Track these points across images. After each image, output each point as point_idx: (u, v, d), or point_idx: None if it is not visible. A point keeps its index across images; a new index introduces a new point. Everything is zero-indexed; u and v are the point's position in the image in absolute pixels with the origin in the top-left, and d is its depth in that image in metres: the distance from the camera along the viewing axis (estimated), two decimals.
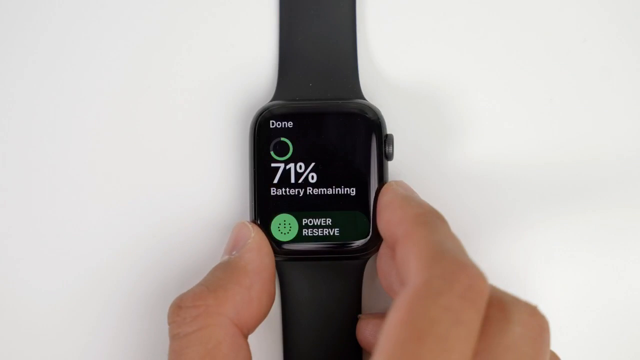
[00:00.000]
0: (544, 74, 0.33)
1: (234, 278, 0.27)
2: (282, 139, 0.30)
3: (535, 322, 0.24)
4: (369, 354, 0.30)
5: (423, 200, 0.28)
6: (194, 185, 0.32)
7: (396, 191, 0.29)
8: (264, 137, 0.30)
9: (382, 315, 0.30)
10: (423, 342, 0.21)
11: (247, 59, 0.32)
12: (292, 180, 0.30)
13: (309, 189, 0.30)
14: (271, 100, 0.31)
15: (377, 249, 0.30)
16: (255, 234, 0.29)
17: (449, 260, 0.23)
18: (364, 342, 0.30)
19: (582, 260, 0.33)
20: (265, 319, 0.30)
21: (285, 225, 0.30)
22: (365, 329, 0.30)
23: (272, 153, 0.30)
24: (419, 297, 0.22)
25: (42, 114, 0.32)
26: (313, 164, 0.30)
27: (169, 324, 0.27)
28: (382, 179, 0.30)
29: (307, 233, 0.30)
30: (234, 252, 0.29)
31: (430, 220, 0.26)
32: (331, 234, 0.30)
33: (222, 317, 0.26)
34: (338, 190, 0.30)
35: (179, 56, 0.33)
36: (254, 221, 0.30)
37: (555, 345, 0.31)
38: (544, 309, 0.32)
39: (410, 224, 0.26)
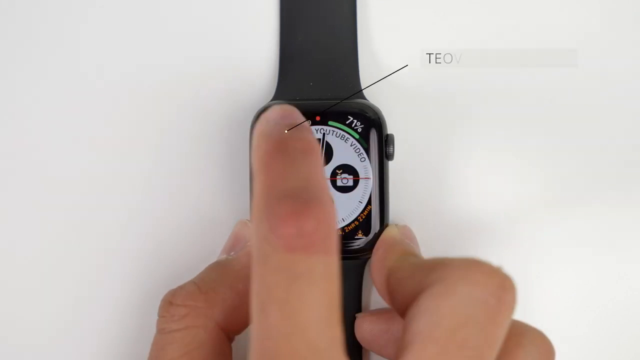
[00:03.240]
0: (544, 74, 0.33)
1: (227, 281, 0.27)
2: None
3: (544, 348, 0.24)
4: (368, 352, 0.31)
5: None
6: (194, 185, 0.32)
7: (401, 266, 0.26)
8: None
9: (379, 312, 0.30)
10: None
11: (247, 59, 0.32)
12: None
13: None
14: (272, 100, 0.31)
15: None
16: None
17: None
18: (362, 341, 0.30)
19: (582, 260, 0.33)
20: None
21: None
22: (362, 327, 0.30)
23: None
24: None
25: (42, 113, 0.32)
26: None
27: (159, 316, 0.27)
28: (382, 179, 0.30)
29: None
30: (232, 253, 0.29)
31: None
32: None
33: (209, 320, 0.26)
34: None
35: (179, 56, 0.32)
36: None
37: (555, 346, 0.31)
38: (543, 309, 0.32)
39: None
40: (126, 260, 0.32)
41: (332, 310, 0.20)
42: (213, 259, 0.30)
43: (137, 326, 0.32)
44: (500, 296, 0.22)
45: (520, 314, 0.24)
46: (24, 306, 0.32)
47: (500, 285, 0.22)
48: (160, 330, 0.27)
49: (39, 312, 0.32)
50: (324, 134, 0.30)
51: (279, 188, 0.20)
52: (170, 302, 0.27)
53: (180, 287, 0.27)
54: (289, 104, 0.30)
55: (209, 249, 0.32)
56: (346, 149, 0.30)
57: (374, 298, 0.32)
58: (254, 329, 0.20)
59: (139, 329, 0.32)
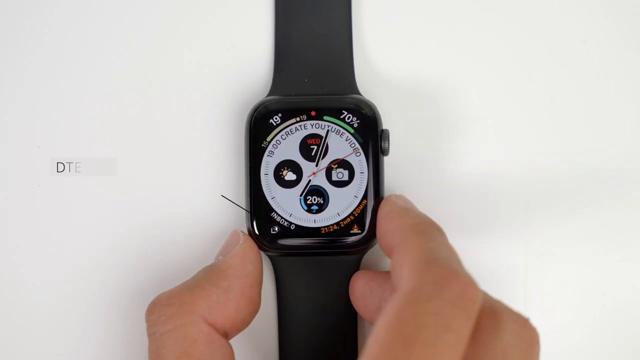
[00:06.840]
0: (543, 74, 0.33)
1: (211, 279, 0.28)
2: None
3: (526, 333, 0.24)
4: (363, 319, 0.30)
5: (422, 212, 0.28)
6: (190, 180, 0.32)
7: (395, 203, 0.29)
8: (260, 132, 0.30)
9: (375, 272, 0.30)
10: (410, 347, 0.21)
11: (243, 55, 0.33)
12: None
13: None
14: (267, 96, 0.31)
15: (373, 245, 0.30)
16: (243, 241, 0.29)
17: (442, 267, 0.23)
18: (358, 303, 0.30)
19: (583, 259, 0.32)
20: (263, 316, 0.30)
21: None
22: (356, 283, 0.30)
23: None
24: (409, 302, 0.22)
25: (42, 112, 0.33)
26: None
27: (146, 322, 0.27)
28: (378, 174, 0.30)
29: None
30: (219, 257, 0.29)
31: (426, 229, 0.26)
32: None
33: (195, 316, 0.26)
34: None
35: (176, 53, 0.33)
36: (250, 215, 0.30)
37: (556, 345, 0.31)
38: (544, 309, 0.32)
39: (406, 232, 0.26)
40: (120, 265, 0.32)
41: None
42: (208, 261, 0.30)
43: (126, 331, 0.32)
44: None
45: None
46: (16, 305, 0.32)
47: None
48: (151, 336, 0.26)
49: (33, 313, 0.32)
50: (327, 131, 0.30)
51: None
52: (155, 304, 0.27)
53: (166, 290, 0.27)
54: (285, 99, 0.31)
55: (205, 249, 0.32)
56: (342, 144, 0.30)
57: None
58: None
59: (127, 334, 0.32)
